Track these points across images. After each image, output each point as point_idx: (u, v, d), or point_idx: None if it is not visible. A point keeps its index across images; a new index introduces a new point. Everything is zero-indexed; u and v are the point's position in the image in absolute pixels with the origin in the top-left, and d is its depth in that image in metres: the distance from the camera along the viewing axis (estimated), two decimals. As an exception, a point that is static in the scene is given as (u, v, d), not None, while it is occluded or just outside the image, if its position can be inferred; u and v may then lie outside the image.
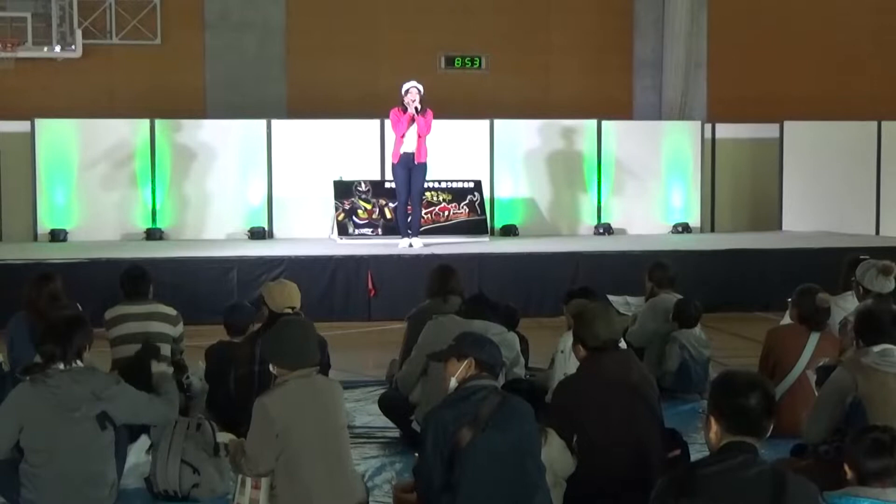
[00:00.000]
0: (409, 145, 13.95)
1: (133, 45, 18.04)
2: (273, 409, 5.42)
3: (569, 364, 7.29)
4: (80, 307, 8.06)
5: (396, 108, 13.98)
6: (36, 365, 6.12)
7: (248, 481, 5.54)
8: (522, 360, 7.80)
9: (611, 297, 10.09)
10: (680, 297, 9.42)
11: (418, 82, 13.92)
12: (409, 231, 14.31)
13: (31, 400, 5.81)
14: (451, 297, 8.01)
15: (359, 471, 6.32)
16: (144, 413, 6.12)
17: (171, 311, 8.70)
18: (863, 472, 4.47)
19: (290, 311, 7.46)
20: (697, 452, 6.24)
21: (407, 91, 13.87)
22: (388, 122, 14.60)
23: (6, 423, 5.82)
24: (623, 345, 6.83)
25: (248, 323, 8.11)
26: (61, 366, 5.87)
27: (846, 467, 4.58)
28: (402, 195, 14.29)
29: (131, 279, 8.78)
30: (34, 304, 8.24)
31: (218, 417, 6.72)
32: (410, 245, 14.14)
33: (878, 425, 4.69)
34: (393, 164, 14.25)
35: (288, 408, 5.43)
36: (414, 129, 13.83)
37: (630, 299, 10.13)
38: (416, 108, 13.73)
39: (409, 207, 14.32)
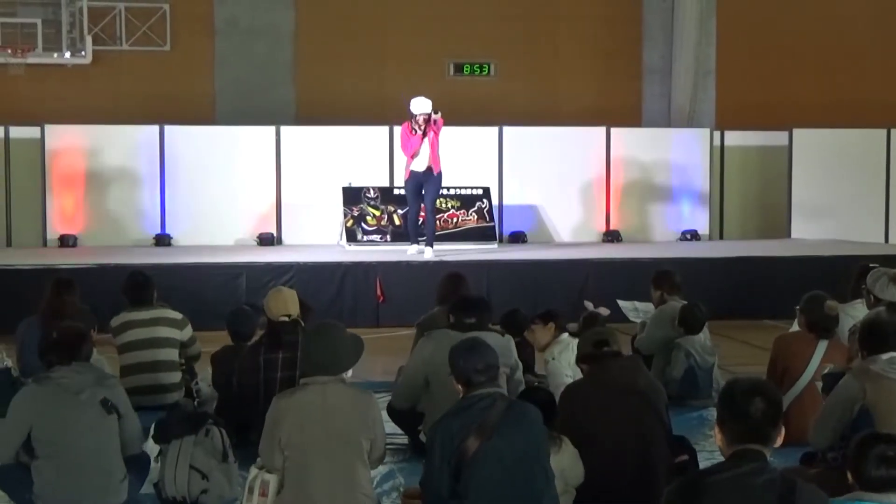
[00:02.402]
0: (420, 164, 13.86)
1: (142, 51, 18.09)
2: (281, 410, 5.46)
3: (562, 365, 7.81)
4: (88, 310, 8.09)
5: (407, 125, 13.90)
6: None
7: (256, 488, 5.55)
8: (521, 364, 7.78)
9: (620, 303, 10.08)
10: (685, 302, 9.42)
11: (426, 97, 13.80)
12: (420, 239, 14.21)
13: (36, 397, 5.96)
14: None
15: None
16: (132, 418, 6.19)
17: (177, 315, 8.72)
18: (866, 482, 4.46)
19: (286, 318, 7.40)
20: (706, 460, 6.25)
21: (420, 114, 13.72)
22: (396, 129, 14.57)
23: (14, 427, 5.96)
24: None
25: (253, 329, 8.08)
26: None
27: (849, 474, 4.58)
28: (413, 206, 14.24)
29: (134, 286, 8.81)
30: (52, 307, 8.20)
31: (228, 422, 6.71)
32: (422, 253, 14.04)
33: (880, 434, 4.68)
34: (405, 178, 14.18)
35: (295, 412, 5.43)
36: (425, 145, 13.71)
37: (639, 305, 10.10)
38: (424, 129, 13.63)
39: (421, 216, 14.26)
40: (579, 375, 7.43)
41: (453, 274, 8.78)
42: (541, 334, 8.26)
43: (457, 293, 8.17)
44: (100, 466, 5.97)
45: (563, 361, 7.87)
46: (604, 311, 8.93)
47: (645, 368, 6.36)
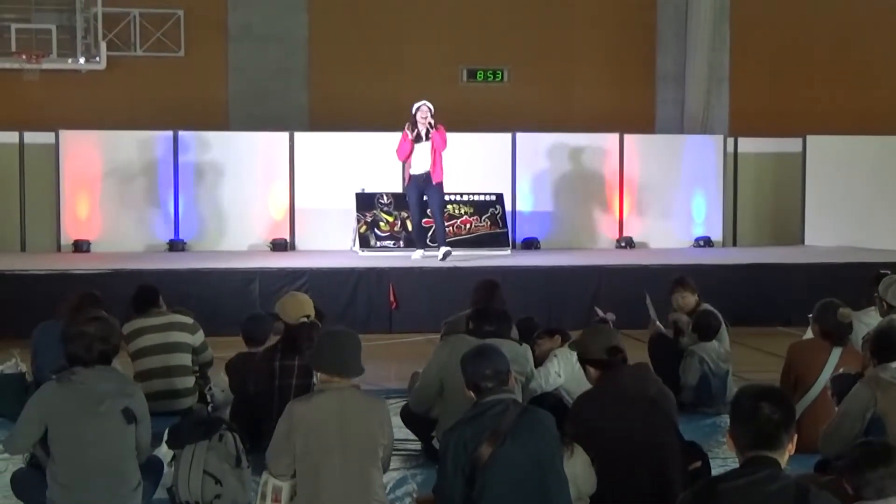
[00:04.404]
0: (419, 167, 13.89)
1: (157, 57, 18.13)
2: (296, 416, 5.47)
3: (557, 367, 7.78)
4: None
5: (405, 130, 13.95)
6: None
7: (269, 494, 5.56)
8: (535, 373, 7.79)
9: (648, 302, 10.05)
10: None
11: (430, 103, 13.89)
12: (431, 242, 14.20)
13: (56, 397, 5.90)
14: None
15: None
16: (146, 425, 6.14)
17: (188, 319, 8.73)
18: (858, 489, 4.48)
19: (305, 319, 7.43)
20: (719, 467, 6.25)
21: (418, 109, 13.81)
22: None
23: (31, 421, 5.92)
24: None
25: (267, 334, 8.09)
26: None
27: (844, 483, 4.59)
28: (415, 215, 14.28)
29: (142, 295, 8.84)
30: (73, 317, 8.20)
31: (242, 427, 6.72)
32: (425, 258, 14.04)
33: (870, 440, 4.68)
34: (406, 184, 14.24)
35: (311, 418, 5.45)
36: (424, 149, 13.76)
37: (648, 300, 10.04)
38: (430, 124, 13.68)
39: (428, 221, 14.27)
40: (565, 378, 7.54)
41: (489, 281, 8.83)
42: (547, 346, 8.29)
43: (492, 300, 8.22)
44: (115, 473, 5.92)
45: (560, 363, 7.79)
46: (610, 317, 8.93)
47: (655, 375, 6.36)
